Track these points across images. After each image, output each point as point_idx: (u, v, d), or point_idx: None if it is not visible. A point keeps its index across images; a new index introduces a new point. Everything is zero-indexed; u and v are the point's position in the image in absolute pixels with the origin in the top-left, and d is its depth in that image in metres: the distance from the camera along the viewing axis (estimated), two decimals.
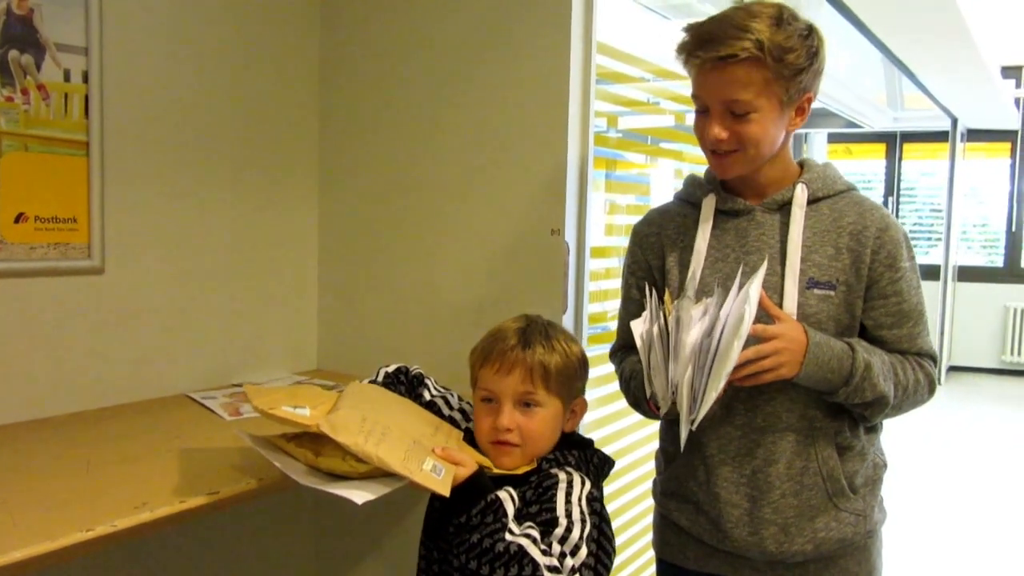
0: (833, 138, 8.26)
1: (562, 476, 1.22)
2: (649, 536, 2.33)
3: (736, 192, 1.42)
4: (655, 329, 1.23)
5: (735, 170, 1.35)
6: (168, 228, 1.85)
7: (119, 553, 1.77)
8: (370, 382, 1.43)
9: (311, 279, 2.19)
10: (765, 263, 1.31)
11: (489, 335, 1.33)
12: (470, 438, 1.36)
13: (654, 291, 1.29)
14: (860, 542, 1.40)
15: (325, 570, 2.20)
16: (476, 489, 1.14)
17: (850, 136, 8.13)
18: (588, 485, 1.22)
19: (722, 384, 1.19)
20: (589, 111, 1.79)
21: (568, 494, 1.19)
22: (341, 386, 1.47)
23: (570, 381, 1.31)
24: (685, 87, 2.39)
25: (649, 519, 2.32)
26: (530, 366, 1.26)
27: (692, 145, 2.51)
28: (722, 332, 1.19)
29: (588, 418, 1.97)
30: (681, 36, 1.33)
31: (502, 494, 1.15)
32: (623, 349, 1.56)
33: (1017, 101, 7.49)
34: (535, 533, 1.12)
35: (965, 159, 7.85)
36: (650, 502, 2.34)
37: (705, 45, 1.27)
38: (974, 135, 7.93)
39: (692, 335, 1.20)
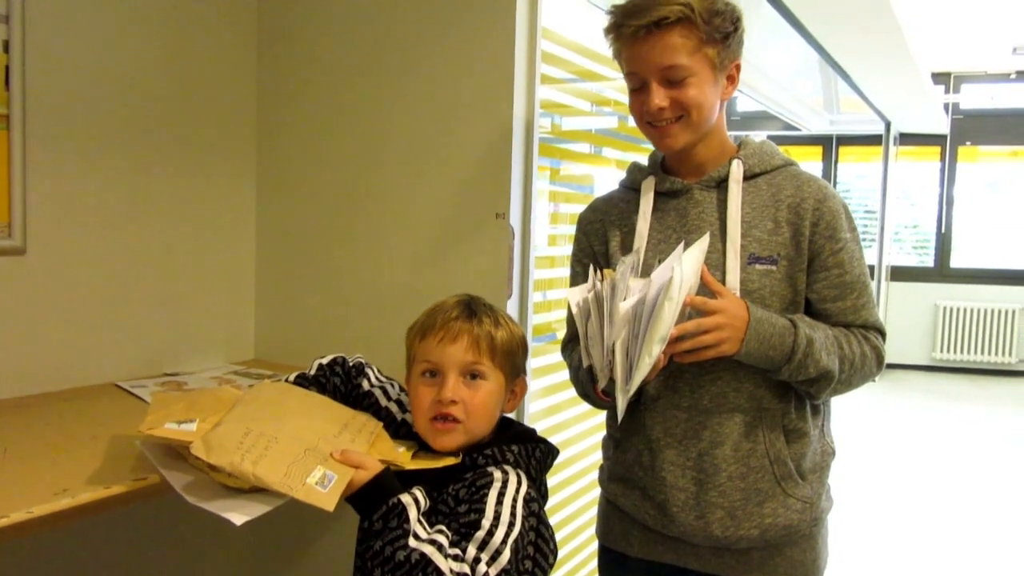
0: (773, 140, 8.41)
1: (497, 475, 1.17)
2: (592, 518, 2.32)
3: (675, 174, 1.41)
4: (591, 296, 1.21)
5: (681, 139, 1.34)
6: (96, 208, 1.76)
7: (60, 541, 1.68)
8: (299, 376, 1.37)
9: (248, 265, 2.12)
10: (707, 235, 1.30)
11: (428, 310, 1.29)
12: (407, 430, 1.31)
13: (598, 269, 1.27)
14: (806, 530, 1.39)
15: (260, 567, 2.14)
16: (379, 492, 1.09)
17: (788, 139, 8.29)
18: (525, 485, 1.18)
19: (656, 349, 1.16)
20: (535, 96, 1.76)
21: (501, 494, 1.14)
22: (279, 376, 1.42)
23: (513, 357, 1.27)
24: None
25: (595, 510, 2.31)
26: (476, 335, 1.22)
27: (637, 138, 2.52)
28: (657, 296, 1.17)
29: (534, 408, 1.95)
30: (607, 18, 1.33)
31: (405, 498, 1.09)
32: (573, 340, 1.53)
33: (946, 106, 7.75)
34: (442, 539, 1.07)
35: (897, 162, 8.08)
36: (597, 492, 2.33)
37: (634, 15, 1.27)
38: (906, 139, 8.17)
39: (628, 302, 1.18)
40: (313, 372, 1.39)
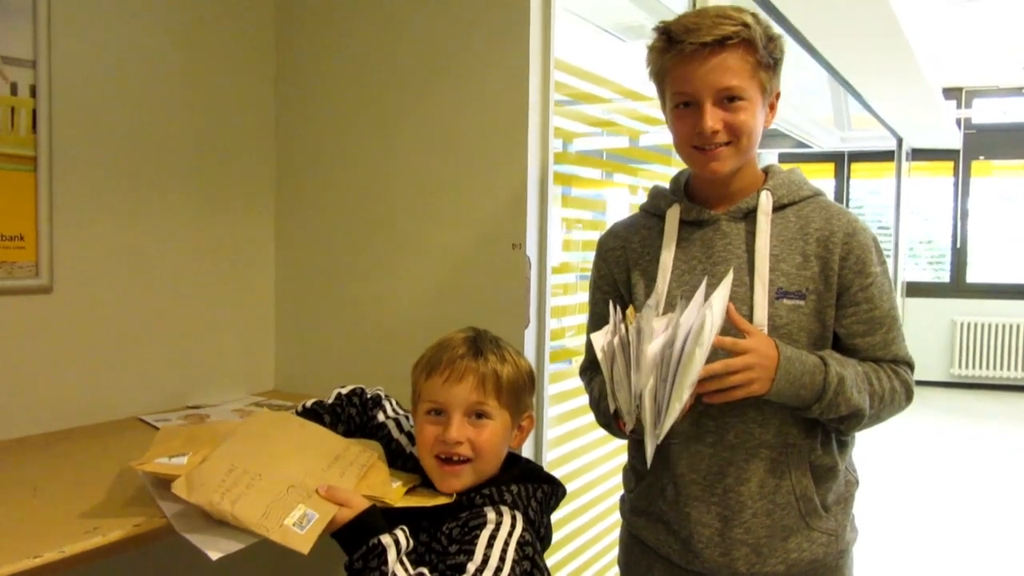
0: (783, 158, 8.42)
1: (491, 517, 1.15)
2: (613, 554, 2.32)
3: (702, 201, 1.38)
4: (616, 340, 1.19)
5: (728, 164, 1.30)
6: (120, 246, 1.80)
7: None
8: (315, 403, 1.38)
9: (267, 298, 2.15)
10: (731, 273, 1.27)
11: (435, 346, 1.27)
12: (415, 463, 1.30)
13: (618, 306, 1.25)
14: (832, 563, 1.36)
15: None
16: (361, 531, 1.09)
17: (800, 156, 8.30)
18: (520, 528, 1.15)
19: (686, 395, 1.15)
20: (548, 126, 1.79)
21: (492, 536, 1.12)
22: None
23: (520, 394, 1.26)
24: (642, 106, 2.44)
25: (613, 537, 2.31)
26: (482, 375, 1.21)
27: (647, 162, 2.54)
28: (685, 340, 1.15)
29: (552, 434, 1.96)
30: (656, 35, 1.29)
31: (385, 538, 1.08)
32: (592, 367, 1.51)
33: (958, 121, 7.74)
34: None
35: (910, 178, 8.06)
36: (615, 519, 2.33)
37: (693, 32, 1.24)
38: (918, 154, 8.16)
39: (654, 345, 1.16)
40: (331, 400, 1.40)
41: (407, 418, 1.40)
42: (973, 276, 8.11)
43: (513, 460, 1.30)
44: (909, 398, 1.36)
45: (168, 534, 1.13)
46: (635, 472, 1.48)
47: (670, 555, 1.39)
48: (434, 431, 1.21)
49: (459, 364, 1.21)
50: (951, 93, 7.68)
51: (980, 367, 7.96)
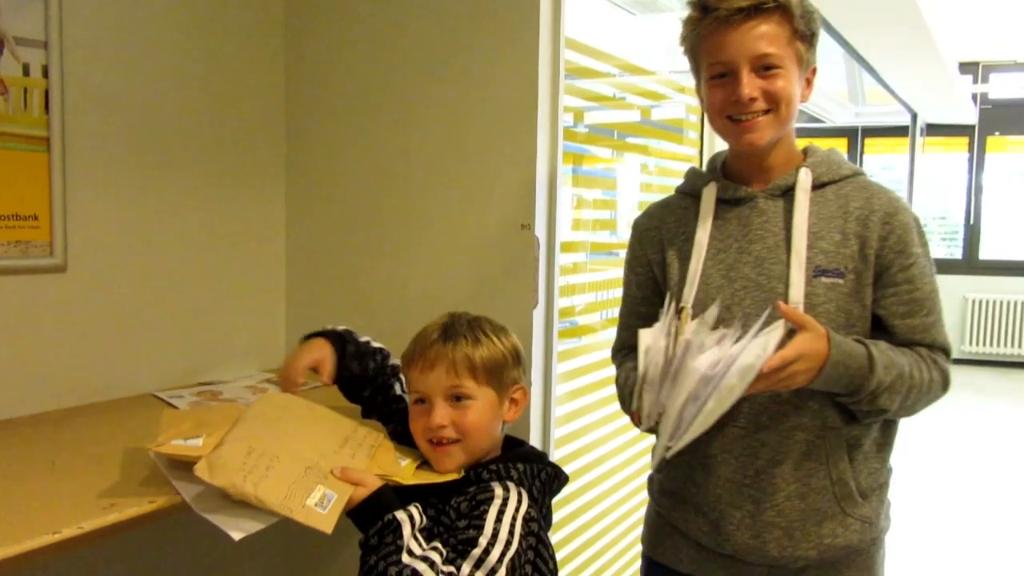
0: (796, 132, 8.35)
1: (499, 492, 1.18)
2: (619, 530, 2.35)
3: (739, 180, 1.36)
4: (662, 344, 1.19)
5: (766, 134, 1.28)
6: (132, 224, 1.82)
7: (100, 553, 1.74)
8: (366, 341, 1.42)
9: (279, 275, 2.17)
10: (784, 326, 1.19)
11: (415, 336, 1.31)
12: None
13: (673, 302, 1.24)
14: (865, 550, 1.34)
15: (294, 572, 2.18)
16: (376, 509, 1.12)
17: (813, 131, 8.23)
18: (526, 504, 1.19)
19: (713, 421, 1.15)
20: (558, 106, 1.79)
21: (501, 511, 1.15)
22: (309, 384, 1.45)
23: (500, 371, 1.27)
24: (651, 82, 2.43)
25: (619, 513, 2.34)
26: (453, 359, 1.23)
27: (657, 139, 2.54)
28: (728, 371, 1.14)
29: (560, 411, 1.97)
30: (690, 7, 1.29)
31: (400, 514, 1.12)
32: (622, 350, 1.50)
33: (974, 96, 7.65)
34: (435, 556, 1.09)
35: (924, 153, 7.99)
36: (622, 495, 2.36)
37: (727, 0, 1.23)
38: (933, 129, 8.08)
39: (700, 363, 1.15)
40: (374, 346, 1.46)
41: None
42: (986, 253, 8.06)
43: (517, 443, 1.33)
44: (945, 388, 1.33)
45: (182, 510, 1.15)
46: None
47: (699, 537, 1.37)
48: (423, 421, 1.25)
49: (430, 352, 1.25)
50: (967, 68, 7.59)
51: (991, 344, 7.94)
